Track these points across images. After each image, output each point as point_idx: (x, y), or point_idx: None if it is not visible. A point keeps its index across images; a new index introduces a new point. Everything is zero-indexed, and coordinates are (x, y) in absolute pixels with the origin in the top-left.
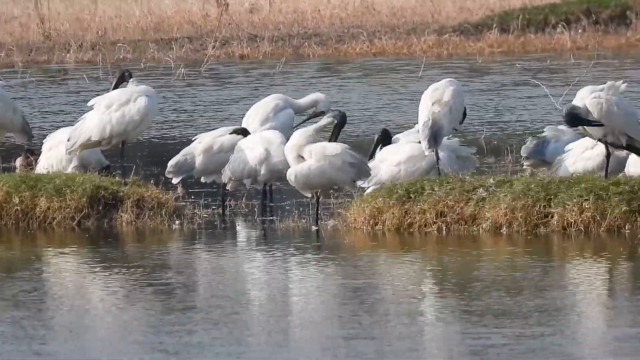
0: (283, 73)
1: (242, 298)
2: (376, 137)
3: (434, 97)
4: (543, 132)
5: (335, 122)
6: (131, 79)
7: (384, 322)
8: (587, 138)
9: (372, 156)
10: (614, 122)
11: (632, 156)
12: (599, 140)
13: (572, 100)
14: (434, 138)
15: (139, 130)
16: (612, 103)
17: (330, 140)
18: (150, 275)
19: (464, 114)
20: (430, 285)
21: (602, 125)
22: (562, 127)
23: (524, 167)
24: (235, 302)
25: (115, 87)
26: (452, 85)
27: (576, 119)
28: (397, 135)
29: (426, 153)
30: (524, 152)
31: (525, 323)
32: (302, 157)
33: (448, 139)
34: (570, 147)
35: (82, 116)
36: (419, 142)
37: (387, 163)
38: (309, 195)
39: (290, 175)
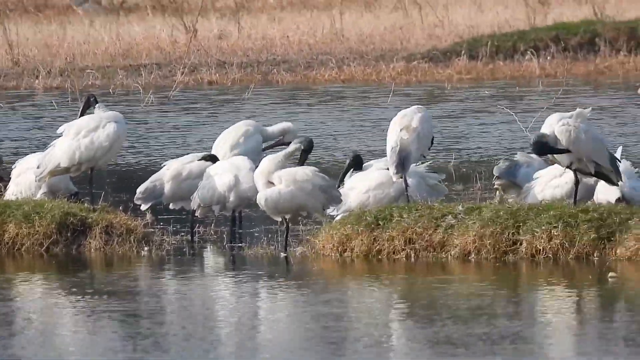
0: (252, 99)
1: (211, 325)
2: (348, 161)
3: (403, 124)
4: (515, 156)
5: (302, 147)
6: (97, 104)
7: (351, 349)
8: (555, 165)
9: (342, 179)
10: (581, 150)
11: (601, 183)
12: (568, 167)
13: (540, 127)
14: (402, 164)
15: (108, 157)
16: (580, 130)
17: (297, 166)
18: (119, 302)
19: (432, 142)
20: (398, 313)
21: (569, 152)
22: (533, 154)
23: (495, 186)
24: (204, 328)
25: (82, 113)
26: (420, 111)
27: (544, 148)
28: (370, 162)
29: (394, 179)
30: (496, 171)
31: (494, 351)
32: (272, 183)
33: (416, 165)
34: (539, 174)
35: (52, 143)
36: (388, 169)
37: (356, 191)
38: (279, 219)
39: (261, 199)
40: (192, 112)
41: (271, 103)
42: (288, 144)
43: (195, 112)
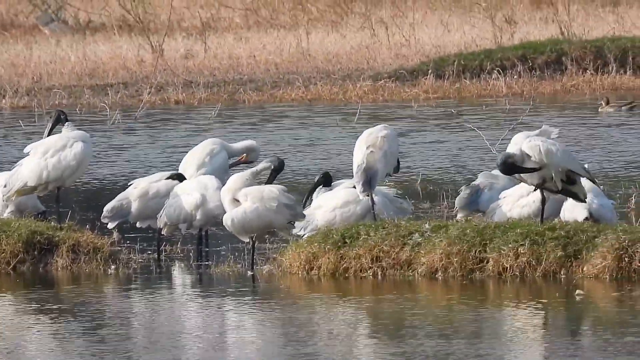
0: (219, 118)
1: (178, 343)
2: (317, 178)
3: (369, 142)
4: (476, 179)
5: (272, 167)
6: (67, 123)
7: None
8: (522, 185)
9: (309, 196)
10: (555, 160)
11: (568, 201)
12: (535, 186)
13: (507, 146)
14: (369, 182)
15: (75, 176)
16: (549, 144)
17: (266, 184)
18: (86, 321)
19: (398, 164)
20: (365, 331)
21: (538, 170)
22: (496, 172)
23: (458, 217)
24: (170, 347)
25: (51, 129)
26: (386, 130)
27: (511, 167)
28: (339, 181)
29: (361, 197)
30: (458, 203)
31: None
32: (238, 201)
33: (386, 183)
34: (505, 194)
35: (19, 162)
36: (354, 187)
37: (322, 209)
38: (246, 239)
39: (227, 220)
40: (159, 132)
41: (238, 122)
42: (251, 162)
43: (162, 131)
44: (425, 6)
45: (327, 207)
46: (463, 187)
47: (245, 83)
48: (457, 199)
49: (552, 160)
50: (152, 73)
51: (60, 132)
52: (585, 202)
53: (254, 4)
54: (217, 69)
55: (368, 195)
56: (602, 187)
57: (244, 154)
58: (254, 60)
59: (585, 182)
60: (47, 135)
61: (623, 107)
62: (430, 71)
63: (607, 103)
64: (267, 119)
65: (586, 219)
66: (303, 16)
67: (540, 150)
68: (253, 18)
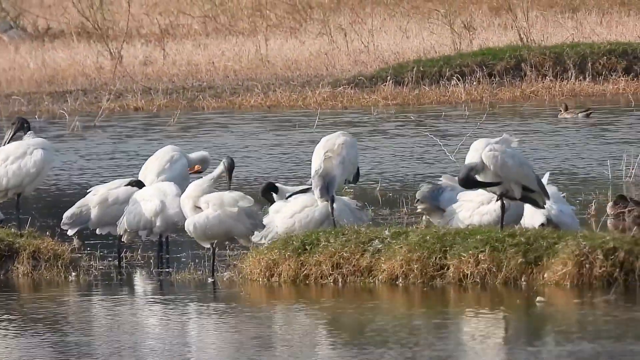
0: (177, 125)
1: (139, 350)
2: (261, 191)
3: (327, 147)
4: (439, 179)
5: (224, 167)
6: (29, 132)
7: None
8: (481, 191)
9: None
10: (509, 175)
11: (527, 208)
12: (497, 195)
13: (465, 152)
14: (326, 188)
15: (35, 183)
16: (507, 155)
17: (227, 186)
18: (47, 328)
19: (358, 174)
20: (325, 338)
21: (499, 184)
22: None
23: (418, 210)
24: (132, 354)
25: (13, 135)
26: (344, 136)
27: (473, 183)
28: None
29: (319, 202)
30: (418, 195)
31: None
32: (199, 208)
33: (345, 190)
34: (463, 196)
35: None
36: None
37: (281, 215)
38: (207, 245)
39: (189, 225)
40: (117, 138)
41: (196, 129)
42: (201, 172)
43: (121, 138)
44: (383, 13)
45: (285, 213)
46: (425, 183)
47: (204, 90)
48: (418, 192)
49: (507, 174)
50: (111, 80)
51: (21, 139)
52: (544, 208)
53: (213, 10)
54: (176, 75)
55: (326, 201)
56: (562, 193)
57: (197, 165)
58: (213, 66)
59: (548, 187)
60: (8, 142)
61: (579, 114)
62: (389, 77)
63: (566, 109)
64: (225, 125)
65: (542, 224)
66: (262, 23)
67: (497, 161)
68: (212, 25)
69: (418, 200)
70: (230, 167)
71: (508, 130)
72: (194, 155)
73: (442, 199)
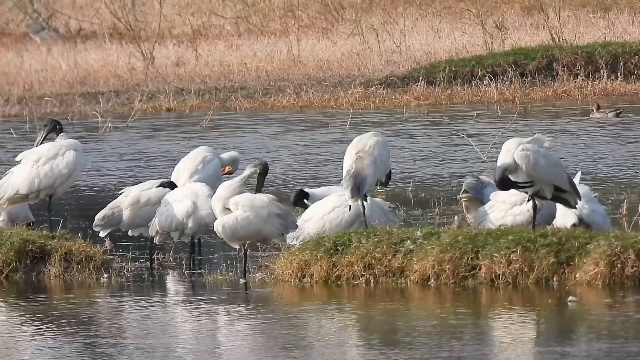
0: (210, 126)
1: (171, 352)
2: (293, 199)
3: (358, 148)
4: (481, 175)
5: (258, 171)
6: (61, 134)
7: None
8: (513, 190)
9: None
10: (541, 175)
11: (559, 208)
12: (529, 195)
13: (497, 152)
14: (357, 188)
15: (67, 184)
16: (539, 155)
17: (256, 190)
18: (79, 329)
19: (389, 176)
20: (358, 338)
21: (532, 185)
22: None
23: (460, 199)
24: (164, 355)
25: (45, 137)
26: (376, 136)
27: (508, 183)
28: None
29: (350, 203)
30: (465, 185)
31: None
32: (229, 210)
33: (377, 190)
34: (496, 196)
35: (10, 170)
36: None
37: (313, 220)
38: (237, 246)
39: (218, 226)
40: (150, 139)
41: (229, 129)
42: (232, 173)
43: (153, 139)
44: (415, 13)
45: (316, 216)
46: (469, 175)
47: (237, 90)
48: (464, 182)
49: (539, 174)
50: (143, 81)
51: (53, 141)
52: (575, 208)
53: (245, 11)
54: (208, 76)
55: (357, 201)
56: (594, 193)
57: (228, 165)
58: (245, 67)
59: (580, 187)
60: (40, 144)
61: (609, 113)
62: (421, 78)
63: (598, 109)
64: (258, 126)
65: (574, 225)
66: (294, 23)
67: (529, 161)
68: (244, 25)
69: (465, 190)
70: (264, 172)
71: (539, 129)
72: (225, 155)
73: (485, 194)
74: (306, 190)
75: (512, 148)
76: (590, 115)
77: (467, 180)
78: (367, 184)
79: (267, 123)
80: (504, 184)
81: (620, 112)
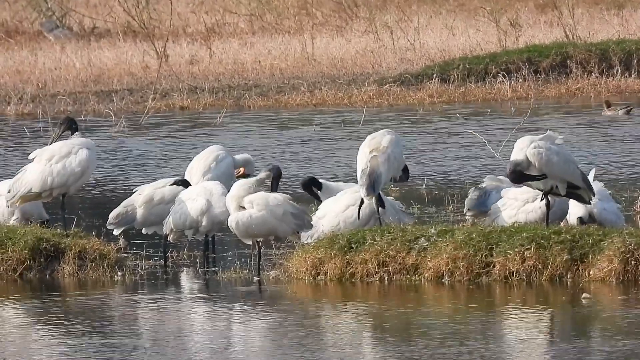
0: (224, 124)
1: (185, 350)
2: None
3: (372, 145)
4: (483, 182)
5: (272, 175)
6: (76, 133)
7: None
8: (525, 188)
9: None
10: (554, 171)
11: (571, 205)
12: (543, 192)
13: (510, 150)
14: (372, 186)
15: (80, 182)
16: (552, 152)
17: (271, 192)
18: (93, 327)
19: (407, 171)
20: (372, 336)
21: (545, 177)
22: (501, 177)
23: (467, 217)
24: (178, 354)
25: (60, 134)
26: (389, 134)
27: (520, 176)
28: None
29: (365, 201)
30: (467, 204)
31: None
32: (243, 208)
33: (391, 188)
34: (507, 193)
35: (23, 168)
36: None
37: (327, 218)
38: (249, 243)
39: (232, 222)
40: (164, 137)
41: (243, 128)
42: (247, 175)
43: (167, 137)
44: (429, 10)
45: (331, 214)
46: (471, 189)
47: (251, 88)
48: (466, 200)
49: (552, 171)
50: (156, 79)
51: (67, 139)
52: (590, 203)
53: (259, 9)
54: (222, 74)
55: (372, 199)
56: (608, 191)
57: (242, 167)
58: (259, 65)
59: (594, 184)
60: (54, 142)
61: (620, 111)
62: (435, 75)
63: (609, 106)
64: (271, 123)
65: (580, 218)
66: (308, 21)
67: (542, 158)
68: (258, 23)
69: (468, 209)
70: (278, 176)
71: (553, 126)
72: (238, 157)
73: (489, 204)
74: (320, 180)
75: (524, 146)
76: (602, 113)
77: (469, 197)
78: (382, 182)
79: (282, 120)
80: (516, 175)
81: (631, 109)
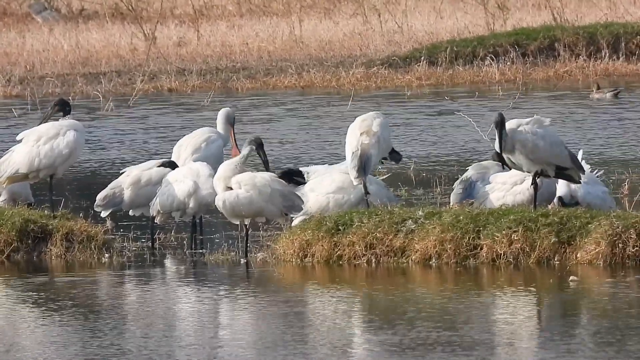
0: (211, 106)
1: (172, 331)
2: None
3: (362, 128)
4: (467, 172)
5: (254, 147)
6: (68, 116)
7: (314, 356)
8: (514, 171)
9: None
10: (541, 156)
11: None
12: (532, 174)
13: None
14: (363, 168)
15: (67, 164)
16: (537, 137)
17: (264, 166)
18: (81, 309)
19: (398, 153)
20: (359, 318)
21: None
22: (487, 162)
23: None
24: (165, 335)
25: (51, 115)
26: (379, 117)
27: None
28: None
29: (355, 183)
30: (453, 199)
31: (456, 356)
32: (231, 189)
33: (379, 170)
34: (496, 178)
35: (10, 149)
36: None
37: (315, 193)
38: (237, 222)
39: (219, 201)
40: (151, 119)
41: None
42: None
43: (154, 119)
44: None
45: (320, 191)
46: (456, 183)
47: (238, 71)
48: (452, 195)
49: (539, 156)
50: (145, 61)
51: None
52: (580, 182)
53: None
54: (210, 56)
55: (362, 182)
56: (596, 174)
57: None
58: (247, 47)
59: (585, 166)
60: (45, 122)
61: (608, 94)
62: (423, 58)
63: (598, 89)
64: (260, 106)
65: (560, 197)
66: (296, 3)
67: (528, 144)
68: (246, 6)
69: (454, 203)
70: (259, 145)
71: (540, 109)
72: (219, 126)
73: (475, 194)
74: (302, 169)
75: (511, 129)
76: (590, 96)
77: (454, 191)
78: (372, 164)
79: (270, 103)
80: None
81: (619, 92)
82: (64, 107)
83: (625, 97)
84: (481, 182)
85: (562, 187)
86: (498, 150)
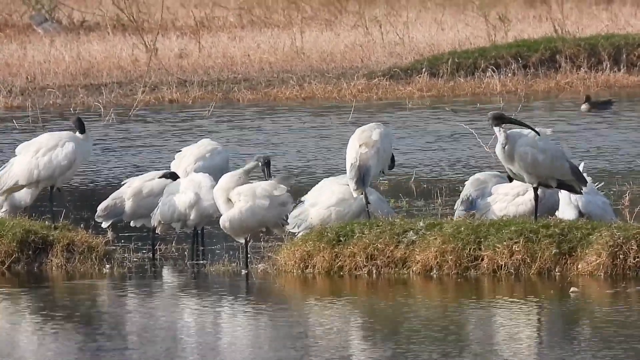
0: (213, 117)
1: (173, 343)
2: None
3: (362, 139)
4: (465, 189)
5: (260, 163)
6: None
7: None
8: (516, 182)
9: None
10: (541, 171)
11: (561, 201)
12: (534, 185)
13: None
14: (362, 179)
15: (66, 176)
16: (538, 152)
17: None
18: (81, 320)
19: (393, 161)
20: (360, 330)
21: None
22: (483, 176)
23: None
24: (165, 346)
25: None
26: (379, 127)
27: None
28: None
29: (354, 195)
30: (458, 215)
31: None
32: (232, 201)
33: (380, 180)
34: (499, 189)
35: (10, 161)
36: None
37: (317, 207)
38: (242, 240)
39: (224, 222)
40: (152, 131)
41: (231, 121)
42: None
43: (155, 130)
44: (419, 4)
45: (322, 204)
46: (457, 203)
47: (240, 82)
48: (455, 212)
49: (539, 170)
50: (146, 72)
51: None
52: (581, 193)
53: (248, 3)
54: (212, 67)
55: (362, 193)
56: (596, 185)
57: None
58: (248, 59)
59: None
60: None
61: (599, 105)
62: (424, 69)
63: (587, 100)
64: (261, 117)
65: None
66: (297, 15)
67: (527, 159)
68: (247, 17)
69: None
70: (267, 163)
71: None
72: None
73: (477, 205)
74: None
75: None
76: (581, 107)
77: (456, 212)
78: (372, 175)
79: (271, 114)
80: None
81: (607, 103)
82: (79, 125)
83: (625, 108)
84: (481, 198)
85: (571, 210)
86: (498, 152)
